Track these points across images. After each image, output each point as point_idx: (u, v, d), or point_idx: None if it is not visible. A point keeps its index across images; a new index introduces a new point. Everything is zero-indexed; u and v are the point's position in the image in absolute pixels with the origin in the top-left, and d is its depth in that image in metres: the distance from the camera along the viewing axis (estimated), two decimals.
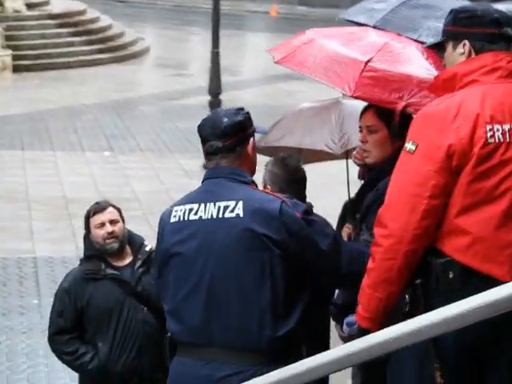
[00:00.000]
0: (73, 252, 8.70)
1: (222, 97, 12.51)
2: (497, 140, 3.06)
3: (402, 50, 4.07)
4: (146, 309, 4.39)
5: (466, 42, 3.25)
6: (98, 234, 4.43)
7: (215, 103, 11.96)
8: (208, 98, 12.55)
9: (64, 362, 4.57)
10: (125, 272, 4.42)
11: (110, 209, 4.48)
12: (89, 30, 19.39)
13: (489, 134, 3.06)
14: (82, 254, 8.48)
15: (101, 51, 18.85)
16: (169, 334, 3.41)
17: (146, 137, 13.09)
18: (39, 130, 13.30)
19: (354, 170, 4.96)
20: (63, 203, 10.08)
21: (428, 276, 3.05)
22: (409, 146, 3.10)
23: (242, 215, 3.22)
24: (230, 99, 13.88)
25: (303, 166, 4.96)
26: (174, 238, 3.32)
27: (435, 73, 3.76)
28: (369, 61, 3.94)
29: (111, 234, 4.40)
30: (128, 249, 4.51)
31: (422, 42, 4.05)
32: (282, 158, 4.25)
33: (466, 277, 3.00)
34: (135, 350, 4.39)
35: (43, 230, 9.31)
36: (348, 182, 4.86)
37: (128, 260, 4.48)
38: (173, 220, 3.33)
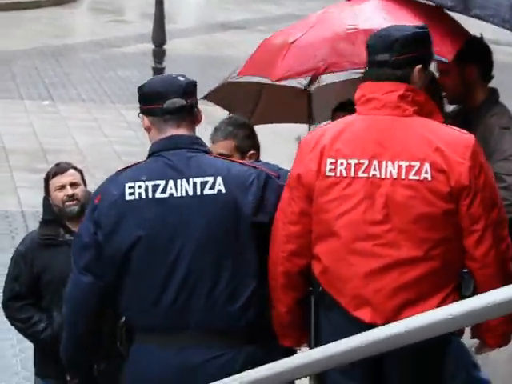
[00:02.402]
0: (15, 206, 8.49)
1: (165, 46, 12.26)
2: (338, 174, 3.05)
3: (335, 15, 4.09)
4: None
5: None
6: (58, 196, 4.25)
7: (159, 53, 11.69)
8: (150, 46, 12.27)
9: (17, 329, 4.42)
10: None
11: (71, 171, 4.30)
12: None
13: (328, 168, 3.06)
14: (24, 209, 8.46)
15: None
16: (123, 320, 3.17)
17: (86, 86, 12.79)
18: None
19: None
20: (3, 154, 9.81)
21: (312, 286, 3.17)
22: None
23: (224, 191, 3.07)
24: (171, 48, 13.63)
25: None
26: (137, 218, 3.04)
27: (360, 27, 3.86)
28: (293, 41, 3.98)
29: (71, 197, 4.23)
30: None
31: None
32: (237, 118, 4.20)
33: (329, 297, 3.10)
34: None
35: None
36: None
37: None
38: (130, 198, 3.06)
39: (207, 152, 3.18)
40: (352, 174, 3.04)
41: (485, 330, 3.14)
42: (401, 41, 3.14)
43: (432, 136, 3.08)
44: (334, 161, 3.05)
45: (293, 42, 3.97)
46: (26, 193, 8.64)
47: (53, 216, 4.28)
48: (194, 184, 3.06)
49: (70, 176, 4.27)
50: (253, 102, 5.08)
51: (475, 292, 3.04)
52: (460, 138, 3.12)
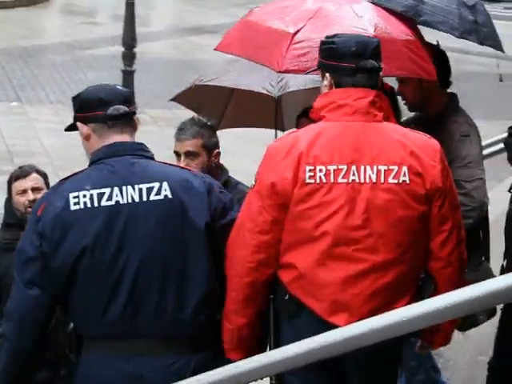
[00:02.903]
0: None
1: (135, 49, 12.19)
2: (318, 181, 3.04)
3: (336, 12, 4.04)
4: None
5: (327, 74, 3.21)
6: (19, 201, 4.21)
7: (129, 55, 11.63)
8: (120, 48, 12.21)
9: None
10: None
11: (34, 175, 4.24)
12: None
13: (308, 175, 3.04)
14: None
15: None
16: (72, 326, 3.14)
17: (55, 87, 12.69)
18: None
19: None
20: None
21: (275, 294, 3.15)
22: (253, 180, 3.16)
23: (170, 196, 3.04)
24: (143, 51, 13.56)
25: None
26: (83, 228, 3.00)
27: (369, 29, 3.79)
28: (296, 32, 3.92)
29: (33, 203, 4.16)
30: None
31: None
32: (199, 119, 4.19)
33: (296, 304, 3.10)
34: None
35: None
36: None
37: None
38: (75, 208, 3.02)
39: (152, 158, 3.17)
40: (332, 180, 3.04)
41: (435, 330, 3.18)
42: (378, 48, 3.20)
43: (405, 140, 3.12)
44: (312, 168, 3.04)
45: (295, 34, 3.89)
46: None
47: (14, 219, 4.23)
48: (140, 190, 3.03)
49: (33, 180, 4.21)
50: (222, 106, 5.10)
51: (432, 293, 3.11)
52: (429, 142, 3.18)
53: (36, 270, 3.05)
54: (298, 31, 3.90)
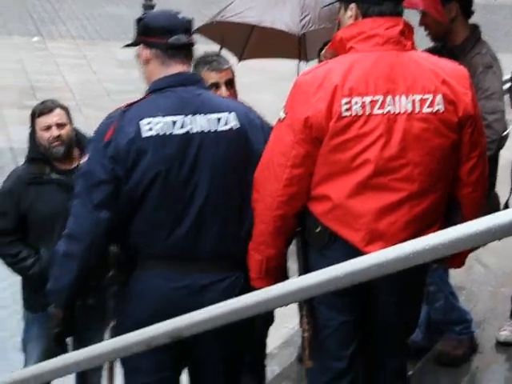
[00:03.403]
0: (4, 142, 8.48)
1: None
2: (354, 113, 3.01)
3: None
4: None
5: (353, 5, 3.14)
6: (44, 136, 4.20)
7: None
8: None
9: (6, 263, 4.44)
10: (71, 176, 4.12)
11: (58, 110, 4.20)
12: None
13: (344, 108, 3.00)
14: (13, 145, 8.44)
15: None
16: (115, 248, 3.17)
17: (76, 22, 12.69)
18: None
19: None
20: None
21: (304, 227, 3.16)
22: (281, 113, 3.12)
23: (237, 127, 3.12)
24: None
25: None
26: (157, 154, 3.05)
27: None
28: None
29: (57, 138, 4.20)
30: (76, 152, 4.31)
31: None
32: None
33: (329, 236, 3.11)
34: None
35: None
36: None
37: (75, 163, 4.22)
38: (148, 134, 3.04)
39: (209, 90, 3.23)
40: (368, 112, 3.01)
41: (456, 254, 3.23)
42: None
43: (436, 68, 3.10)
44: (348, 100, 3.01)
45: None
46: (16, 129, 8.62)
47: (39, 154, 4.24)
48: (209, 120, 3.10)
49: (57, 116, 4.19)
50: (244, 38, 5.11)
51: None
52: (458, 70, 3.18)
53: (106, 193, 3.08)
54: None
